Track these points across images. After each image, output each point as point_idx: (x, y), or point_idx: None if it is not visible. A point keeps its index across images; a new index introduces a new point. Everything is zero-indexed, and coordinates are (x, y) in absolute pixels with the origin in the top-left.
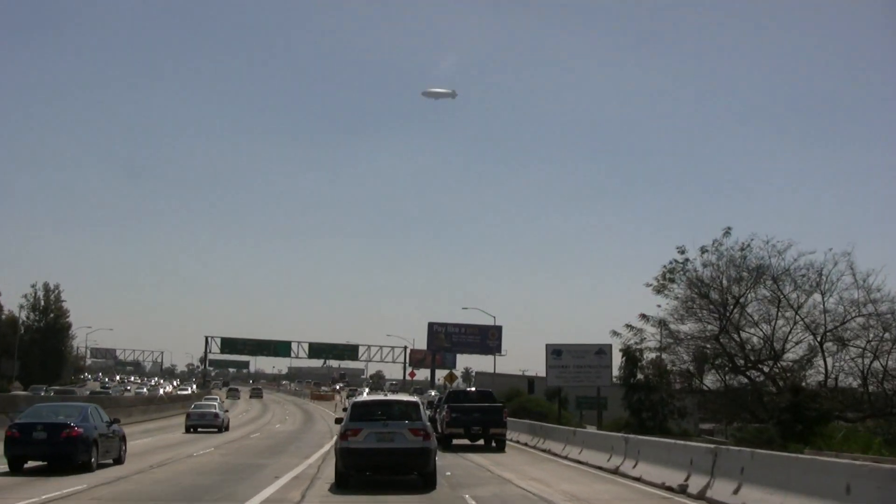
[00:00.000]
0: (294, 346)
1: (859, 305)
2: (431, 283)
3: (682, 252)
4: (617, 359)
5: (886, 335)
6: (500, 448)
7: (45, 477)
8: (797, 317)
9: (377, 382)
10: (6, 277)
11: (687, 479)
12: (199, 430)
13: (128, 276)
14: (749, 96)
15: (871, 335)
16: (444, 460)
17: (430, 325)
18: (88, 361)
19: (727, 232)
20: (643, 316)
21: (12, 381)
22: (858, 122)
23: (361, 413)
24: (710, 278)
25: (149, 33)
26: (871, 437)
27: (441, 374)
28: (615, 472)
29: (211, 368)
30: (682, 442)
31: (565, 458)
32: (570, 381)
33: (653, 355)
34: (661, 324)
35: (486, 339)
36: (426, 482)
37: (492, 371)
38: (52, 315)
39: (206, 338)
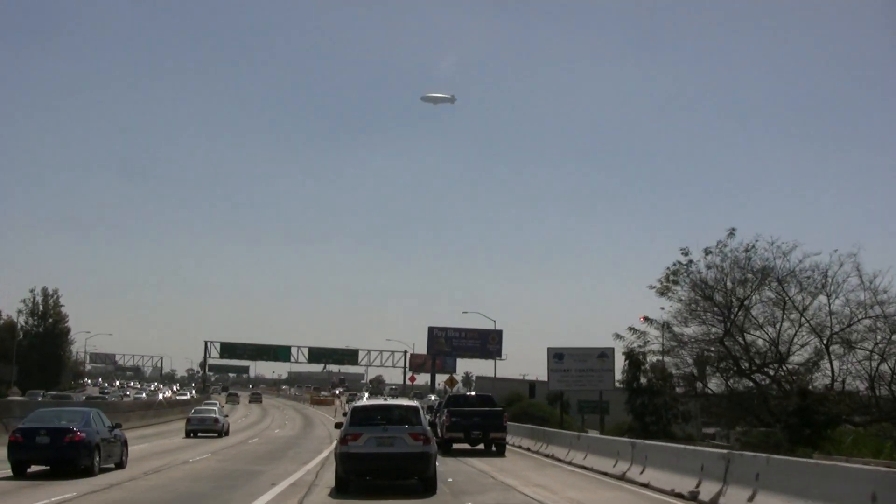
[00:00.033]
0: (294, 350)
1: (866, 307)
2: (431, 287)
3: (686, 254)
4: (620, 362)
5: (894, 337)
6: (501, 452)
7: (47, 481)
8: (802, 319)
9: (377, 387)
10: (5, 282)
11: (698, 486)
12: (199, 434)
13: (127, 281)
14: (752, 97)
15: (879, 337)
16: (444, 466)
17: (430, 330)
18: (88, 367)
19: (731, 233)
20: (646, 319)
21: (10, 387)
22: (863, 122)
23: (361, 418)
24: (714, 280)
25: (148, 36)
26: (881, 441)
27: (441, 379)
28: (622, 478)
29: (211, 373)
30: (691, 447)
31: (569, 463)
32: (572, 385)
33: (656, 359)
34: (665, 326)
35: (487, 343)
36: (426, 487)
37: (492, 375)
38: (50, 320)
39: (206, 343)
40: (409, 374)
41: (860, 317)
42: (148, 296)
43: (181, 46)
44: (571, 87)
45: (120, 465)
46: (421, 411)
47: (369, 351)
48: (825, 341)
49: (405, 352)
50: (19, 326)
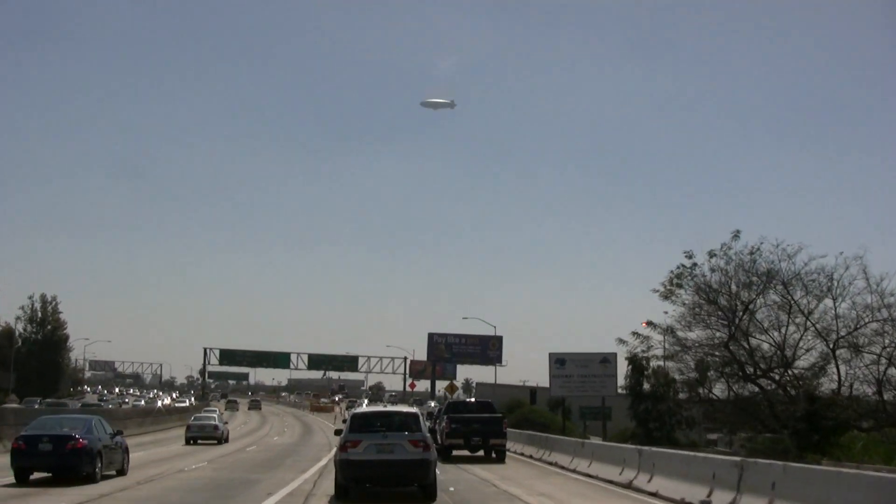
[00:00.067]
0: (293, 357)
1: (873, 310)
2: (432, 293)
3: (690, 257)
4: (623, 368)
5: None
6: (501, 459)
7: (46, 488)
8: (808, 323)
9: (376, 394)
10: (3, 288)
11: (710, 495)
12: (199, 441)
13: (127, 287)
14: (754, 99)
15: (886, 341)
16: (446, 474)
17: (430, 336)
18: (88, 374)
19: (736, 235)
20: (650, 323)
21: (8, 394)
22: (867, 124)
23: (361, 424)
24: (719, 283)
25: (148, 40)
26: (890, 446)
27: (441, 385)
28: (628, 486)
29: (211, 380)
30: (702, 454)
31: (573, 471)
32: (575, 390)
33: (658, 364)
34: (669, 331)
35: (487, 349)
36: (426, 494)
37: (493, 382)
38: (49, 327)
39: (205, 349)
40: (409, 381)
41: (867, 320)
42: (147, 303)
43: (181, 51)
44: (572, 90)
45: (121, 472)
46: (421, 418)
47: (369, 357)
48: (832, 345)
49: (405, 358)
50: (17, 333)
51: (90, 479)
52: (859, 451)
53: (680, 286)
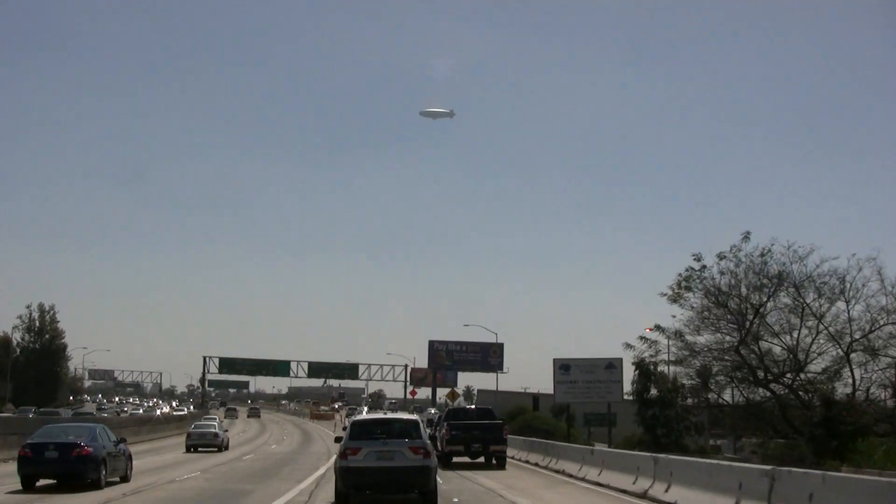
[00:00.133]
0: (293, 365)
1: (888, 313)
2: (432, 300)
3: (699, 259)
4: (629, 373)
5: None
6: (501, 465)
7: (53, 494)
8: (820, 326)
9: (376, 401)
10: (1, 298)
11: None
12: (200, 449)
13: (126, 296)
14: (758, 101)
15: None
16: (449, 483)
17: (431, 343)
18: (88, 383)
19: (746, 237)
20: (658, 327)
21: (5, 403)
22: (877, 124)
23: (361, 432)
24: (728, 286)
25: (146, 50)
26: None
27: (443, 393)
28: (643, 496)
29: (211, 389)
30: (726, 462)
31: (582, 479)
32: (579, 396)
33: (661, 369)
34: (677, 335)
35: (488, 356)
36: (427, 501)
37: (494, 389)
38: (47, 336)
39: (204, 358)
40: (409, 389)
41: (882, 323)
42: (147, 312)
43: (180, 58)
44: (571, 95)
45: (125, 479)
46: (421, 425)
47: (370, 365)
48: (846, 349)
49: (406, 366)
50: (15, 343)
51: (95, 485)
52: (881, 458)
53: (689, 289)
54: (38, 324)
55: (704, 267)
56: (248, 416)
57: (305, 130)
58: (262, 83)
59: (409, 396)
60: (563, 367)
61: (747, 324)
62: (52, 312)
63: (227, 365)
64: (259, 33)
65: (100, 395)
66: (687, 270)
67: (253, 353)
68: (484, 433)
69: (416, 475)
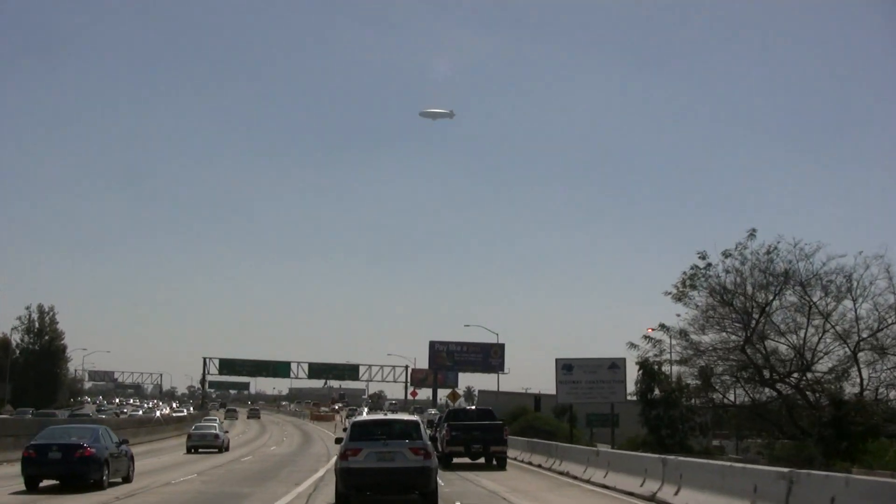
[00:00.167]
0: (294, 366)
1: None
2: (433, 301)
3: (703, 257)
4: (632, 373)
5: None
6: (501, 466)
7: (56, 495)
8: (827, 325)
9: (376, 402)
10: (1, 299)
11: None
12: (200, 450)
13: (126, 297)
14: (759, 102)
15: None
16: (451, 486)
17: (432, 344)
18: (88, 384)
19: (752, 234)
20: (662, 326)
21: (4, 405)
22: (880, 121)
23: (361, 433)
24: (734, 284)
25: (146, 53)
26: None
27: (443, 393)
28: (651, 499)
29: (211, 390)
30: (740, 464)
31: (588, 481)
32: (582, 397)
33: (673, 368)
34: (682, 334)
35: (489, 356)
36: (427, 502)
37: (495, 389)
38: (46, 337)
39: (204, 359)
40: (410, 389)
41: (890, 321)
42: (148, 313)
43: (179, 61)
44: (572, 95)
45: (127, 480)
46: (421, 426)
47: (370, 366)
48: (853, 348)
49: (406, 367)
50: (14, 344)
51: (98, 486)
52: (892, 458)
53: (693, 287)
54: (37, 325)
55: (710, 265)
56: (248, 418)
57: (305, 131)
58: (262, 84)
59: (409, 397)
60: (565, 367)
61: (753, 323)
62: (51, 314)
63: (227, 366)
64: (259, 35)
65: (100, 397)
66: (692, 268)
67: (253, 354)
68: (484, 434)
69: (417, 476)
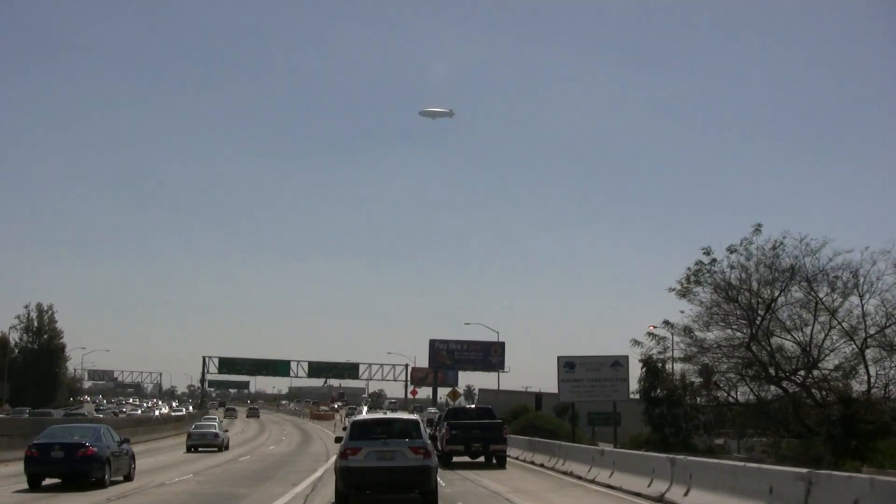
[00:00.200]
0: (293, 365)
1: None
2: (433, 299)
3: (708, 253)
4: (635, 370)
5: None
6: (501, 465)
7: (58, 493)
8: (833, 321)
9: (376, 401)
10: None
11: None
12: (200, 449)
13: (126, 297)
14: (767, 96)
15: None
16: (452, 486)
17: (432, 343)
18: (88, 384)
19: (757, 229)
20: (667, 323)
21: (2, 404)
22: (886, 116)
23: (361, 432)
24: (739, 280)
25: (145, 53)
26: None
27: (443, 392)
28: (660, 500)
29: (211, 389)
30: (754, 465)
31: (592, 481)
32: (584, 395)
33: (677, 366)
34: (686, 331)
35: (489, 355)
36: (427, 501)
37: (495, 388)
38: (45, 336)
39: (204, 358)
40: (410, 388)
41: None
42: (148, 312)
43: (179, 62)
44: (573, 93)
45: (128, 478)
46: (421, 425)
47: (370, 365)
48: (860, 345)
49: (406, 365)
50: (13, 343)
51: (100, 484)
52: None
53: (698, 283)
54: (36, 324)
55: (714, 261)
56: (248, 417)
57: (305, 130)
58: (262, 84)
59: (409, 396)
60: (567, 365)
61: (758, 319)
62: (50, 312)
63: (227, 365)
64: (259, 35)
65: (100, 396)
66: (696, 264)
67: (253, 353)
68: (484, 432)
69: (417, 475)
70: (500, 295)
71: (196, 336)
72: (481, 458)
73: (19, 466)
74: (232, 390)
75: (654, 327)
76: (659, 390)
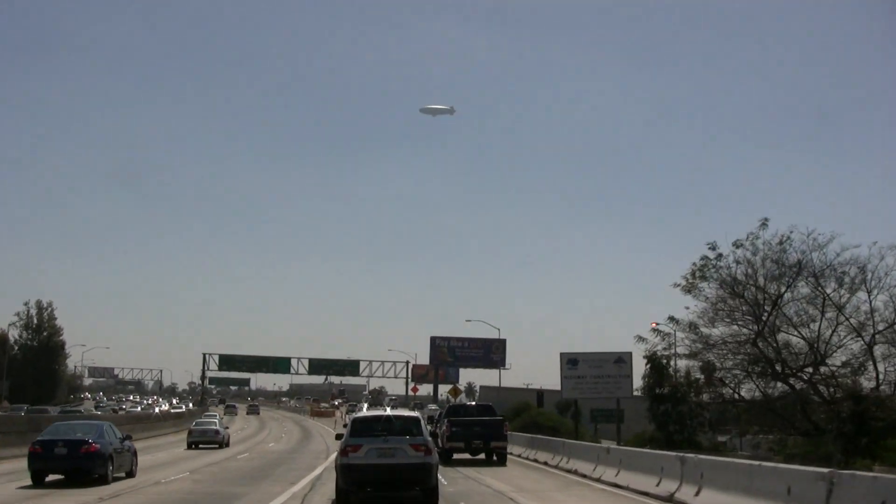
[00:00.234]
0: (294, 362)
1: None
2: (434, 296)
3: (714, 248)
4: (639, 367)
5: None
6: (502, 462)
7: (62, 489)
8: (840, 317)
9: (376, 398)
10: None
11: None
12: (201, 446)
13: (126, 294)
14: (773, 90)
15: None
16: (454, 485)
17: (433, 340)
18: (88, 381)
19: (764, 224)
20: (671, 319)
21: (1, 402)
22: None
23: (362, 428)
24: (745, 276)
25: (146, 51)
26: None
27: (444, 389)
28: (669, 500)
29: (212, 386)
30: (770, 464)
31: (598, 480)
32: (587, 392)
33: (682, 363)
34: (691, 327)
35: (490, 352)
36: (428, 498)
37: (496, 385)
38: (45, 333)
39: (204, 355)
40: (411, 385)
41: None
42: (148, 309)
43: (180, 60)
44: (574, 90)
45: (130, 474)
46: (422, 422)
47: (371, 362)
48: (868, 341)
49: (407, 362)
50: (13, 340)
51: (103, 480)
52: None
53: (703, 278)
54: (35, 321)
55: (720, 256)
56: (248, 414)
57: (305, 128)
58: (262, 83)
59: (410, 393)
60: (570, 362)
61: (764, 315)
62: (49, 309)
63: (227, 362)
64: (260, 34)
65: (100, 393)
66: (702, 259)
67: (253, 350)
68: (484, 429)
69: (418, 472)
70: (501, 292)
71: (197, 333)
72: (482, 456)
73: (15, 463)
74: (232, 387)
75: (658, 324)
76: (664, 387)
